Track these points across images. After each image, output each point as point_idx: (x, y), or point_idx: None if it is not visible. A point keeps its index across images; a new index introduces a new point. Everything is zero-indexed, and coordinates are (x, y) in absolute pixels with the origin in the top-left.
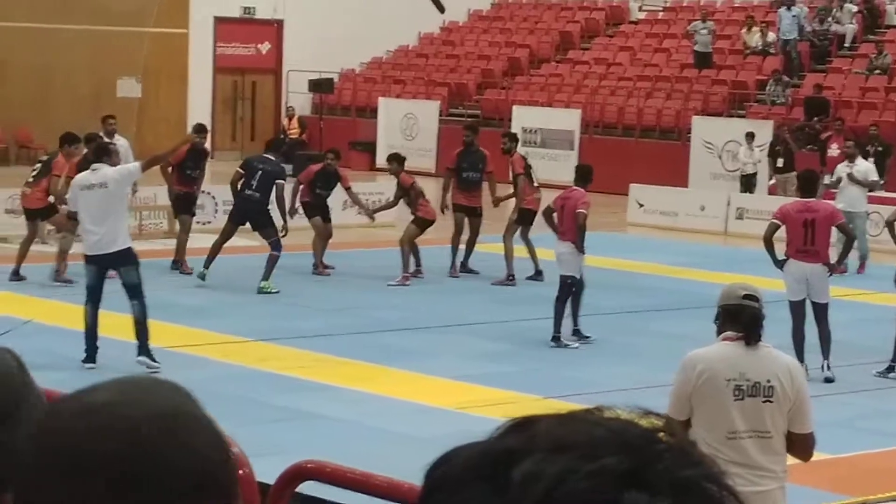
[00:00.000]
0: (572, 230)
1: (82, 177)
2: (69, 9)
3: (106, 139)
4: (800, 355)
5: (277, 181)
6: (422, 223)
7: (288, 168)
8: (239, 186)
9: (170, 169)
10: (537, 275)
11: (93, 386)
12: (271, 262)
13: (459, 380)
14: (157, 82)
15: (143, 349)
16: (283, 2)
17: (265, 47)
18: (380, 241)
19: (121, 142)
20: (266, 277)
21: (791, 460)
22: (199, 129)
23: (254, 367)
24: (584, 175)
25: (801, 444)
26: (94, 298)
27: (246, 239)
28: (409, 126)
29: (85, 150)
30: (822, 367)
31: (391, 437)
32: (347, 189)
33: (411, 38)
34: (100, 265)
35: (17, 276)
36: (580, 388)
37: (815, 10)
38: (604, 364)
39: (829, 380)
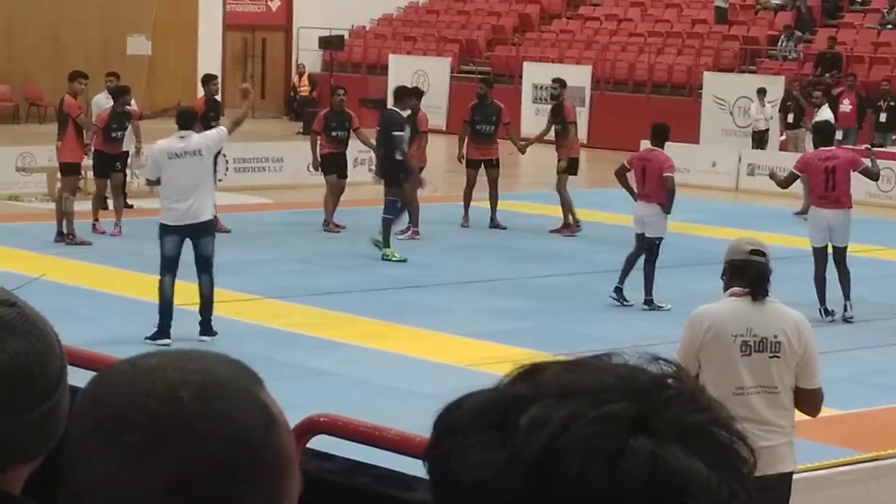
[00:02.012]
0: (657, 192)
1: (168, 145)
2: None
3: (109, 95)
4: (822, 298)
5: (394, 133)
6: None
7: (298, 125)
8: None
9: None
10: (566, 227)
11: (150, 353)
12: (386, 225)
13: (472, 337)
14: (166, 40)
15: (206, 328)
16: None
17: (275, 4)
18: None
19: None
20: (386, 244)
21: (800, 415)
22: (209, 78)
23: (265, 325)
24: (661, 134)
25: (809, 400)
26: (172, 269)
27: (257, 196)
28: (419, 83)
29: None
30: (845, 307)
31: (402, 394)
32: (356, 130)
33: None
34: (183, 235)
35: (69, 236)
36: (593, 345)
37: None
38: (616, 320)
39: (849, 319)
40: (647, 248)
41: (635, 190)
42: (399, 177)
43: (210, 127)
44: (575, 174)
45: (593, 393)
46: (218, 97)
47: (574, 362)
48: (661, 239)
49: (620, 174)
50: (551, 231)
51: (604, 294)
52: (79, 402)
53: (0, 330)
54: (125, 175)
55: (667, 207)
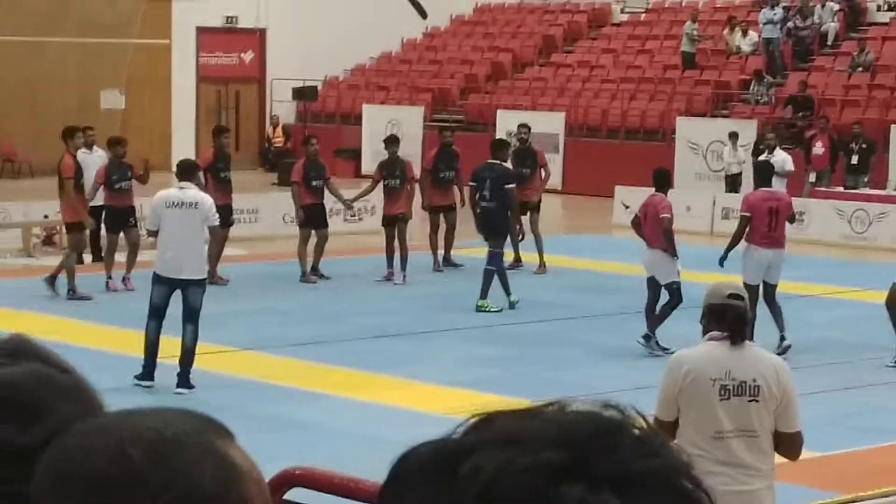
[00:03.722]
0: (657, 236)
1: (167, 194)
2: (55, 22)
3: (85, 151)
4: (751, 335)
5: (507, 186)
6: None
7: (273, 177)
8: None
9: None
10: (542, 266)
11: (111, 412)
12: (488, 278)
13: (451, 385)
14: (140, 93)
15: (184, 380)
16: (266, 11)
17: (248, 56)
18: (366, 248)
19: (98, 153)
20: (484, 296)
21: (780, 459)
22: (220, 130)
23: (241, 377)
24: (662, 179)
25: (788, 443)
26: (158, 317)
27: (232, 248)
28: (393, 132)
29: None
30: (782, 338)
31: (382, 444)
32: (327, 180)
33: (394, 44)
34: (172, 286)
35: (70, 291)
36: (572, 392)
37: (797, 8)
38: (595, 366)
39: (787, 347)
40: (669, 292)
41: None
42: (506, 230)
43: (220, 179)
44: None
45: (531, 441)
46: (229, 150)
47: (523, 411)
48: (676, 283)
49: (635, 224)
50: (535, 272)
51: (579, 340)
52: (42, 465)
53: (54, 394)
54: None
55: (670, 250)
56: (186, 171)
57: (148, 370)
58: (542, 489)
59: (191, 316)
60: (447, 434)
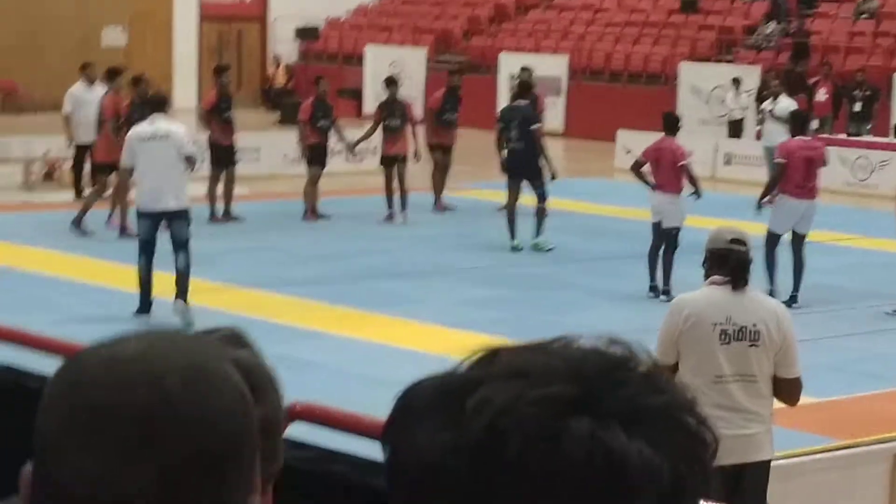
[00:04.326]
0: (672, 182)
1: (139, 129)
2: None
3: (85, 86)
4: (773, 279)
5: (532, 127)
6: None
7: (275, 116)
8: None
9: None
10: None
11: (120, 337)
12: (542, 216)
13: (450, 326)
14: (142, 31)
15: (183, 295)
16: None
17: None
18: (367, 188)
19: (98, 90)
20: (540, 232)
21: (778, 403)
22: (221, 69)
23: (242, 314)
24: (672, 123)
25: (787, 389)
26: (147, 252)
27: (238, 186)
28: (395, 73)
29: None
30: (792, 297)
31: (380, 383)
32: (334, 121)
33: None
34: (156, 219)
35: (77, 226)
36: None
37: None
38: (594, 309)
39: (794, 299)
40: (666, 238)
41: (651, 181)
42: (541, 168)
43: (223, 119)
44: None
45: (539, 375)
46: (231, 90)
47: (529, 347)
48: (678, 229)
49: (636, 168)
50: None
51: (579, 283)
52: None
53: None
54: None
55: (697, 191)
56: (155, 105)
57: (144, 305)
58: (550, 422)
59: (180, 246)
60: (452, 368)
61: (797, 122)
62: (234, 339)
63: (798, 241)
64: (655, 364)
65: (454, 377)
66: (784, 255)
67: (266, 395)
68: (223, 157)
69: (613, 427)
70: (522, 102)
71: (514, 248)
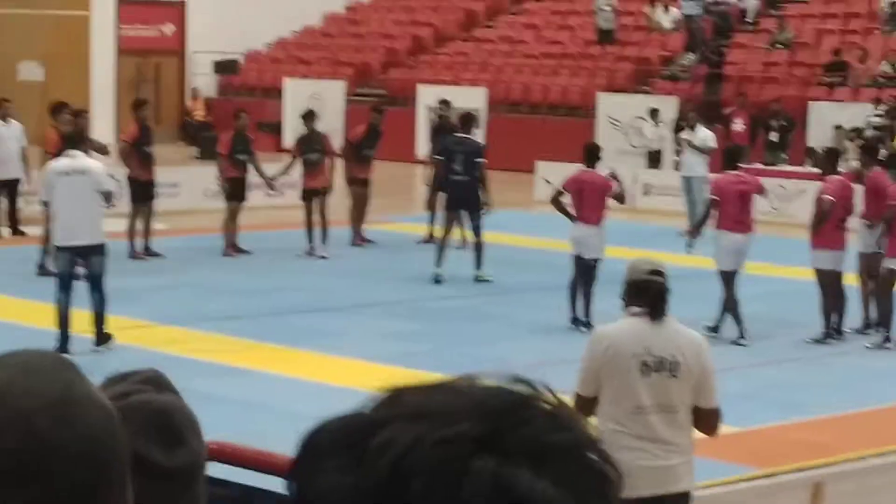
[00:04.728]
0: (594, 213)
1: (56, 164)
2: None
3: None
4: (740, 322)
5: (478, 160)
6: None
7: (194, 150)
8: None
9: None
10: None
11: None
12: (481, 248)
13: (369, 360)
14: (59, 65)
15: (100, 336)
16: None
17: (169, 28)
18: (287, 223)
19: (14, 125)
20: (481, 264)
21: (698, 434)
22: (140, 104)
23: (160, 351)
24: (593, 154)
25: (706, 419)
26: (66, 287)
27: (156, 221)
28: (315, 106)
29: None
30: (712, 328)
31: (299, 419)
32: (251, 155)
33: (316, 18)
34: (72, 255)
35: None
36: (489, 365)
37: None
38: (513, 340)
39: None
40: (586, 269)
41: (572, 213)
42: (479, 201)
43: (144, 155)
44: None
45: (442, 415)
46: (150, 123)
47: (435, 385)
48: (598, 260)
49: (556, 199)
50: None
51: (501, 315)
52: None
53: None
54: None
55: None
56: (73, 140)
57: (62, 343)
58: (453, 462)
59: (95, 282)
60: (357, 409)
61: (729, 156)
62: (154, 381)
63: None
64: (559, 401)
65: (357, 418)
66: (710, 286)
67: (188, 440)
68: (143, 193)
69: (518, 465)
70: (466, 135)
71: (437, 278)
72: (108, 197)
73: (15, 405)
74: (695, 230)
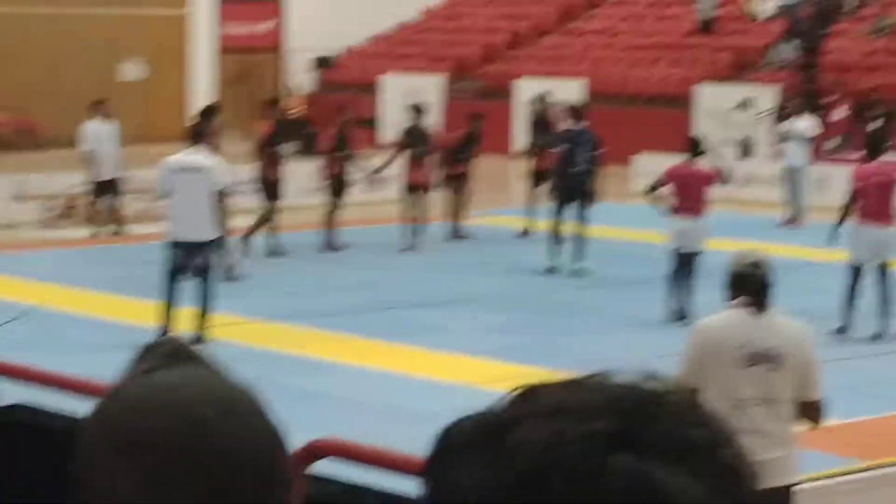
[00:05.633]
0: (696, 205)
1: (173, 159)
2: None
3: (101, 122)
4: (850, 314)
5: (598, 150)
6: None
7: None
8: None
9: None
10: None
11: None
12: (584, 241)
13: (470, 354)
14: (160, 64)
15: (199, 337)
16: None
17: (267, 26)
18: (383, 218)
19: (114, 125)
20: (585, 257)
21: (803, 426)
22: (274, 101)
23: (261, 348)
24: (696, 146)
25: (810, 411)
26: (175, 283)
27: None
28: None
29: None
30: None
31: (403, 414)
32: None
33: (414, 13)
34: (184, 250)
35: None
36: (589, 359)
37: None
38: (617, 334)
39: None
40: (687, 262)
41: (673, 205)
42: (593, 193)
43: (274, 154)
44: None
45: (579, 411)
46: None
47: (568, 382)
48: (699, 253)
49: (654, 189)
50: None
51: (599, 308)
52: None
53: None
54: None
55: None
56: (193, 135)
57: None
58: (592, 458)
59: (201, 275)
60: (490, 406)
61: (871, 146)
62: (178, 353)
63: (881, 270)
64: (694, 398)
65: (493, 415)
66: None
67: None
68: (271, 191)
69: (655, 462)
70: (582, 126)
71: (553, 270)
72: (222, 195)
73: (182, 394)
74: (840, 222)
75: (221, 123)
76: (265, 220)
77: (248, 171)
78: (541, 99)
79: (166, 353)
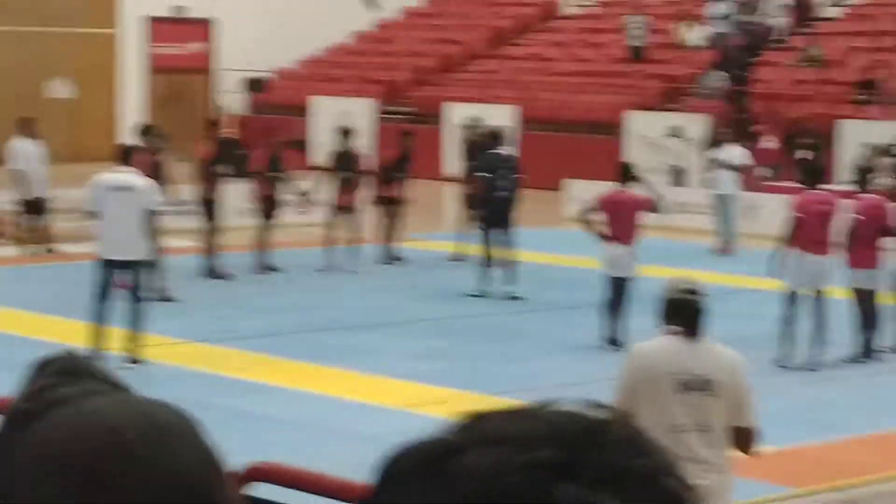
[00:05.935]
0: (628, 232)
1: (104, 176)
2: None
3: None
4: (793, 339)
5: (517, 175)
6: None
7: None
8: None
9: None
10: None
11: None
12: (514, 266)
13: (401, 378)
14: (87, 83)
15: (132, 358)
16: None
17: (198, 46)
18: (317, 240)
19: (40, 144)
20: (515, 282)
21: (736, 453)
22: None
23: (194, 369)
24: (627, 173)
25: (743, 438)
26: (105, 299)
27: (185, 240)
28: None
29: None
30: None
31: (337, 437)
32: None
33: (346, 36)
34: (112, 268)
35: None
36: (522, 384)
37: (742, 4)
38: (545, 358)
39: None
40: (619, 288)
41: (603, 232)
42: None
43: (215, 174)
44: None
45: (524, 440)
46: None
47: (510, 411)
48: (631, 279)
49: (584, 218)
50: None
51: (532, 333)
52: (24, 444)
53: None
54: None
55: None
56: (122, 155)
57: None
58: (538, 488)
59: (131, 296)
60: (435, 434)
61: (809, 174)
62: (70, 370)
63: (817, 298)
64: (636, 427)
65: (437, 442)
66: (743, 304)
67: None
68: (210, 212)
69: (599, 491)
70: (504, 151)
71: (484, 294)
72: (152, 215)
73: (109, 417)
74: (779, 250)
75: (161, 143)
76: (209, 239)
77: (187, 191)
78: (474, 124)
79: (63, 369)
